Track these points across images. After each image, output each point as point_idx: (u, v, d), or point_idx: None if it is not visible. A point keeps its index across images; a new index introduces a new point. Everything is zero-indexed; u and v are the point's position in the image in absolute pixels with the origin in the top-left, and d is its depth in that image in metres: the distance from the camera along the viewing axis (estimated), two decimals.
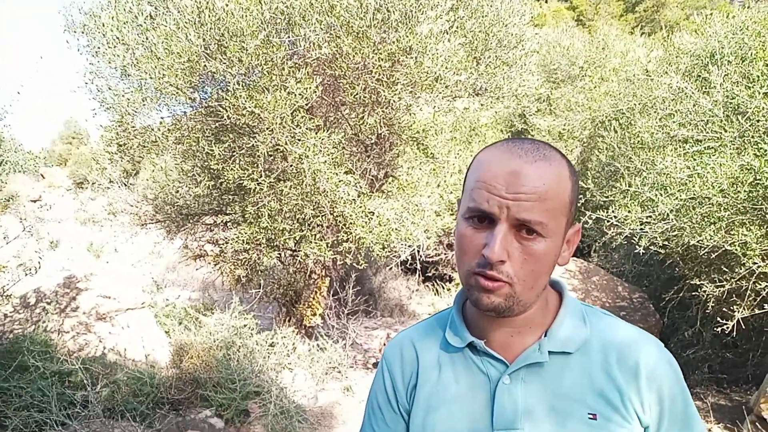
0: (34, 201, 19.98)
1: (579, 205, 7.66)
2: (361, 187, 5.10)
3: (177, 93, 4.22)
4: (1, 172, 4.15)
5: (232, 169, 4.65)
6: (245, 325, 5.86)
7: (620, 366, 0.92)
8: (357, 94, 4.74)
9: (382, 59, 4.59)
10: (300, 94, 4.39)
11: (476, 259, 0.87)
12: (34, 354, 4.41)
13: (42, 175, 27.43)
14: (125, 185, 6.56)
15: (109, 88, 4.39)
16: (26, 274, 4.17)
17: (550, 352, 0.94)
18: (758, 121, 4.51)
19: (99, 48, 4.49)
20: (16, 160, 4.15)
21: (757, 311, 4.40)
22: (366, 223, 5.01)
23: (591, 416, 0.90)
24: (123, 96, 4.30)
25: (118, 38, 4.31)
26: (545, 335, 0.96)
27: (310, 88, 4.36)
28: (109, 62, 4.34)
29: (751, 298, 4.47)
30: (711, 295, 4.64)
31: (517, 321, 0.95)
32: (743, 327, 4.68)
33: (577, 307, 1.01)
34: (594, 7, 27.22)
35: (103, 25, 4.32)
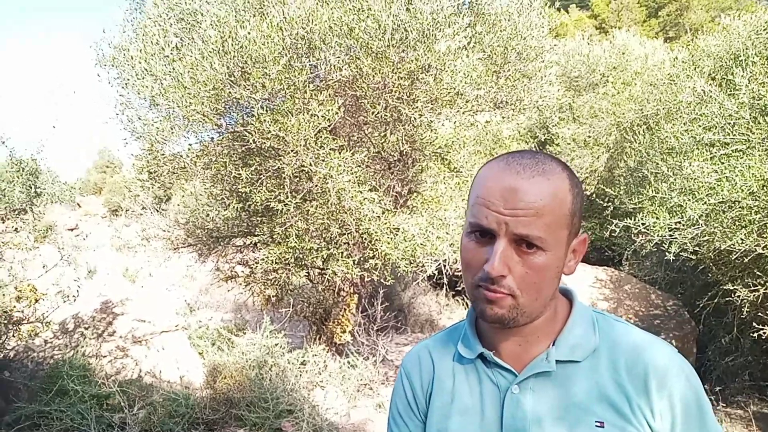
0: (71, 230, 20.52)
1: (607, 212, 7.60)
2: (385, 204, 5.15)
3: (204, 120, 4.35)
4: (39, 204, 4.32)
5: (259, 191, 4.75)
6: (277, 344, 5.93)
7: (629, 373, 0.93)
8: (378, 113, 4.82)
9: (401, 78, 4.66)
10: (323, 116, 4.47)
11: (479, 272, 0.90)
12: (74, 378, 4.54)
13: (78, 204, 28.17)
14: (157, 211, 6.74)
15: (139, 118, 4.55)
16: (65, 302, 4.33)
17: (557, 361, 0.96)
18: None
19: (128, 80, 4.66)
20: (53, 192, 4.32)
21: None
22: (391, 239, 5.05)
23: (598, 424, 0.91)
24: (152, 125, 4.46)
25: (146, 70, 4.47)
26: (553, 344, 0.98)
27: (332, 109, 4.44)
28: (138, 93, 4.50)
29: None
30: (746, 300, 4.54)
31: (526, 331, 0.97)
32: None
33: (587, 314, 1.02)
34: (616, 15, 27.01)
35: (132, 58, 4.49)
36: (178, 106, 4.18)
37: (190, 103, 4.20)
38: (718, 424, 0.96)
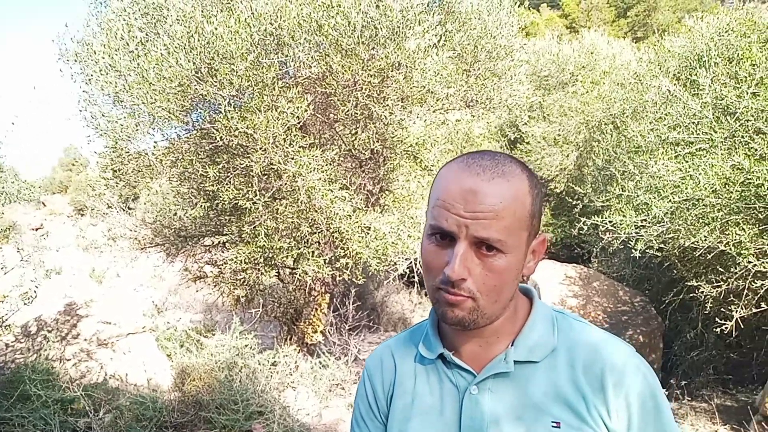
0: (36, 229, 20.02)
1: (576, 210, 7.69)
2: (356, 203, 5.12)
3: (169, 117, 4.27)
4: None
5: (227, 189, 4.68)
6: (247, 345, 5.85)
7: (586, 373, 0.93)
8: (348, 111, 4.78)
9: (371, 75, 4.64)
10: (291, 114, 4.43)
11: (440, 275, 0.89)
12: (36, 383, 4.41)
13: (43, 203, 27.52)
14: (124, 210, 6.59)
15: (103, 115, 4.44)
16: (25, 304, 4.19)
17: (516, 362, 0.96)
18: (747, 121, 4.53)
19: (92, 75, 4.54)
20: (10, 190, 4.17)
21: (755, 310, 4.40)
22: (362, 238, 5.03)
23: (554, 425, 0.91)
24: (116, 122, 4.35)
25: (110, 65, 4.36)
26: (512, 345, 0.97)
27: (301, 107, 4.40)
28: (102, 89, 4.39)
29: (748, 297, 4.47)
30: (709, 296, 4.64)
31: (486, 332, 0.97)
32: (742, 327, 4.67)
33: (547, 314, 1.02)
34: (586, 14, 27.39)
35: (95, 53, 4.38)
36: (143, 103, 4.09)
37: (155, 99, 4.11)
38: (675, 422, 0.97)
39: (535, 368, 0.96)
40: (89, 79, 4.54)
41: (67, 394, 4.53)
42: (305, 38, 4.44)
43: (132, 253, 6.40)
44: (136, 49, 4.39)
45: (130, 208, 7.95)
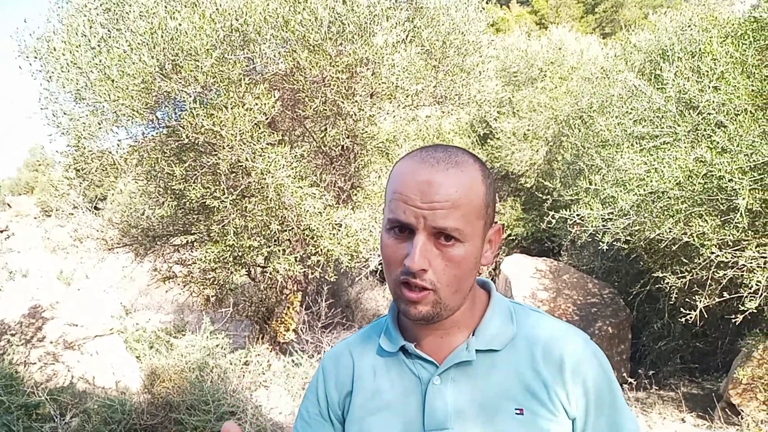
0: (1, 231, 19.52)
1: (546, 204, 7.78)
2: (327, 200, 5.10)
3: (133, 114, 4.18)
4: None
5: (194, 188, 4.61)
6: (218, 345, 5.80)
7: (545, 360, 0.95)
8: (317, 107, 4.75)
9: (339, 71, 4.61)
10: (259, 110, 4.38)
11: (400, 268, 0.89)
12: None
13: (8, 205, 26.83)
14: (89, 210, 6.45)
15: (65, 113, 4.33)
16: None
17: (477, 351, 0.97)
18: (709, 114, 4.63)
19: (53, 72, 4.42)
20: None
21: (718, 299, 4.50)
22: (333, 235, 5.01)
23: (518, 411, 0.92)
24: (78, 120, 4.25)
25: (71, 62, 4.26)
26: (473, 334, 0.99)
27: (268, 103, 4.35)
28: (63, 86, 4.29)
29: (712, 287, 4.57)
30: (674, 287, 4.73)
31: (446, 323, 0.98)
32: (707, 316, 4.78)
33: (504, 305, 1.04)
34: (555, 11, 27.67)
35: (55, 50, 4.27)
36: (106, 100, 4.01)
37: (118, 97, 4.02)
38: (628, 407, 1.00)
39: (496, 357, 0.97)
40: (50, 77, 4.42)
41: (32, 399, 4.43)
42: (272, 34, 4.39)
43: (99, 254, 6.27)
44: (98, 45, 4.29)
45: (97, 209, 7.80)
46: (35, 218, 23.38)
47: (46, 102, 4.59)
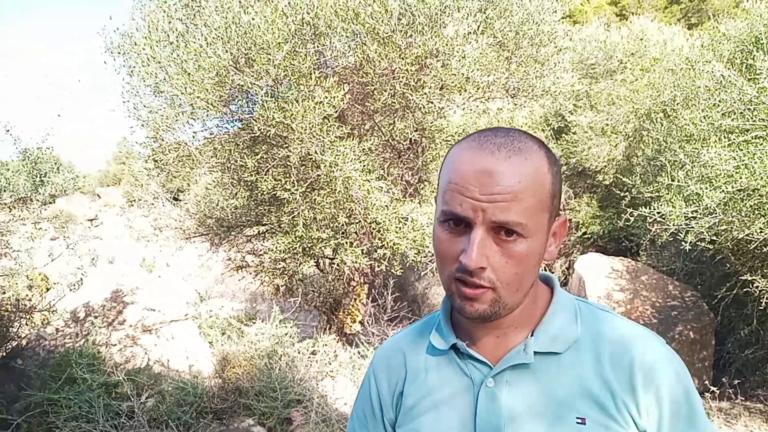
0: (91, 220, 20.82)
1: (624, 202, 7.45)
2: (394, 193, 5.08)
3: (208, 107, 4.32)
4: (43, 193, 4.33)
5: (265, 180, 4.71)
6: (286, 334, 5.91)
7: (613, 366, 0.86)
8: (386, 100, 4.74)
9: (408, 63, 4.57)
10: (328, 103, 4.41)
11: (455, 264, 0.83)
12: (83, 366, 4.56)
13: (98, 195, 28.58)
14: (168, 200, 6.74)
15: (144, 106, 4.53)
16: (70, 290, 4.34)
17: (536, 353, 0.89)
18: None
19: (134, 67, 4.64)
20: (57, 181, 4.31)
21: None
22: (399, 228, 4.98)
23: (579, 421, 0.84)
24: (157, 112, 4.44)
25: (151, 57, 4.44)
26: (532, 335, 0.91)
27: (337, 96, 4.38)
28: (143, 80, 4.48)
29: None
30: (765, 291, 4.41)
31: (504, 322, 0.91)
32: None
33: (569, 303, 0.95)
34: (637, 1, 26.50)
35: (136, 45, 4.47)
36: (182, 93, 4.15)
37: (193, 90, 4.16)
38: (709, 421, 0.89)
39: (557, 360, 0.89)
40: (131, 71, 4.63)
41: (112, 378, 4.67)
42: (342, 27, 4.41)
43: (177, 242, 6.54)
44: (177, 40, 4.45)
45: (176, 199, 8.13)
46: (121, 208, 24.78)
47: (128, 96, 4.82)
